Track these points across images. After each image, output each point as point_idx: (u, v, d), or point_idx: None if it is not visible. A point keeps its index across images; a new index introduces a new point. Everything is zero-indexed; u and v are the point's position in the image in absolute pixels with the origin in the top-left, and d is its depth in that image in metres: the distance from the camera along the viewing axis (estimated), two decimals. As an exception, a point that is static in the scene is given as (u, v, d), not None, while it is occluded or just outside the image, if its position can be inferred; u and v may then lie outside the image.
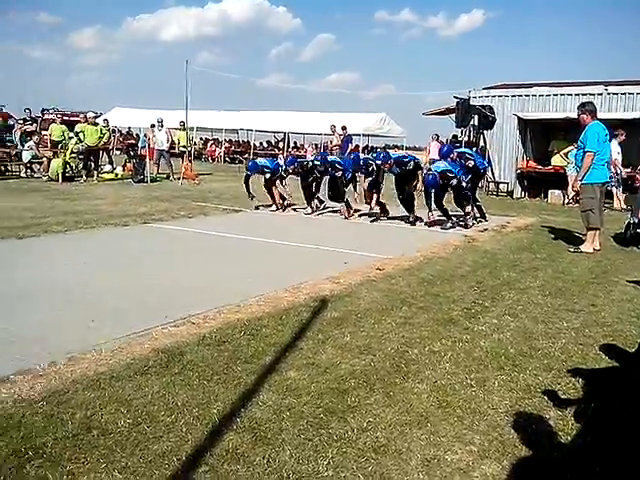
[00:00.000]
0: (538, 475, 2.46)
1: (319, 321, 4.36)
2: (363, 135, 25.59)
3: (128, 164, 17.64)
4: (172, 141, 17.74)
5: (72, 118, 21.19)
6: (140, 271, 5.87)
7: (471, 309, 4.83)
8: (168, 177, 17.24)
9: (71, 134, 16.07)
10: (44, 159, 15.81)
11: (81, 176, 15.59)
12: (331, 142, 19.13)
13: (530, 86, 17.21)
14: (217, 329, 4.08)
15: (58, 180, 14.62)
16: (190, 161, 17.62)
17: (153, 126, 17.47)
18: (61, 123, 17.27)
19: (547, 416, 2.96)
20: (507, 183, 16.71)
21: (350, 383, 3.28)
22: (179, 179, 16.36)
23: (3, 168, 16.31)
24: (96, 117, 17.24)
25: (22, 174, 15.95)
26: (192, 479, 2.35)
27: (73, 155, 15.67)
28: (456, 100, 16.83)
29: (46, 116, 22.92)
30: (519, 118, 16.00)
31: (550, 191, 15.12)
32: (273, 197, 10.98)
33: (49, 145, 16.39)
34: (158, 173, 17.44)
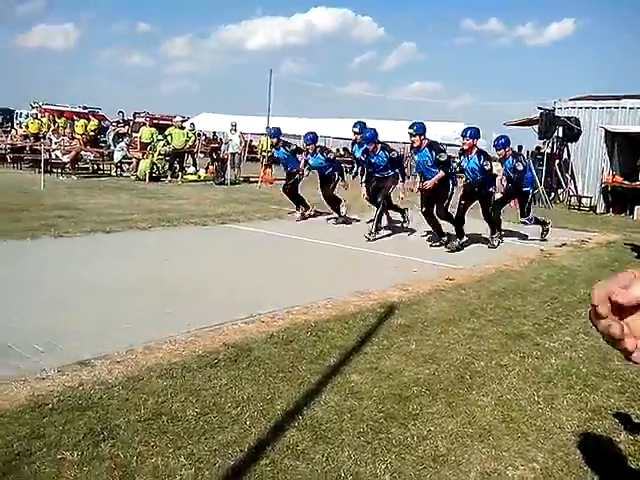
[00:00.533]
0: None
1: (385, 327, 4.38)
2: (442, 144, 25.24)
3: (210, 167, 18.29)
4: (248, 145, 18.16)
5: (161, 121, 22.16)
6: (214, 269, 6.09)
7: (543, 325, 4.69)
8: (248, 180, 17.71)
9: (159, 136, 16.84)
10: (133, 159, 16.65)
11: (166, 177, 16.30)
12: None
13: (619, 98, 16.40)
14: (285, 328, 4.19)
15: (145, 180, 15.34)
16: (268, 166, 18.00)
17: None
18: (151, 126, 18.13)
19: (617, 439, 2.85)
20: (590, 197, 16.00)
21: (413, 390, 3.28)
22: (257, 182, 16.77)
23: (96, 167, 17.29)
24: (183, 121, 17.96)
25: (112, 173, 16.85)
26: (253, 471, 2.43)
27: (160, 156, 16.41)
28: (540, 111, 16.30)
29: (137, 119, 24.10)
30: (606, 131, 15.30)
31: (637, 207, 14.35)
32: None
33: (139, 147, 17.24)
34: (240, 176, 17.94)
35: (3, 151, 17.58)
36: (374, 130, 8.89)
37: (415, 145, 8.14)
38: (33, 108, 23.82)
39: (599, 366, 3.82)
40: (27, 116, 22.79)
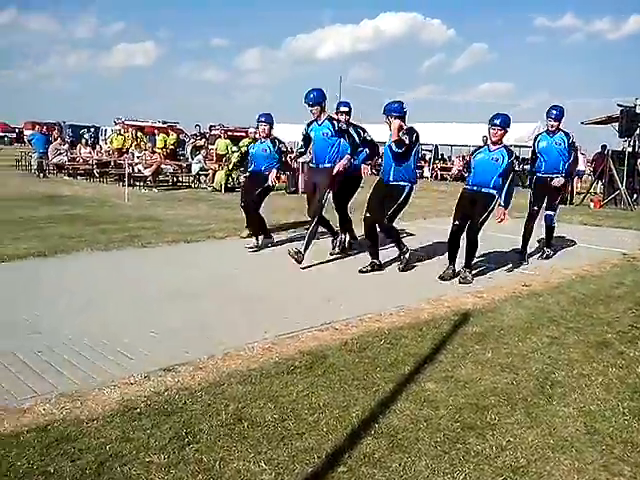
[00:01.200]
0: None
1: (459, 335, 4.33)
2: (515, 146, 24.53)
3: (283, 176, 18.62)
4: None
5: (235, 133, 22.77)
6: (288, 277, 6.21)
7: (628, 333, 4.49)
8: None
9: (234, 148, 17.34)
10: (210, 171, 17.22)
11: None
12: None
13: None
14: (358, 336, 4.22)
15: (221, 190, 15.82)
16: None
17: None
18: (225, 138, 18.68)
19: None
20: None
21: (490, 400, 3.24)
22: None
23: (175, 179, 18.01)
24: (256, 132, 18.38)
25: (191, 185, 17.49)
26: (331, 478, 2.48)
27: (235, 167, 16.89)
28: (620, 108, 15.56)
29: (213, 131, 24.88)
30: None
31: None
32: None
33: (214, 158, 17.80)
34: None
35: (90, 166, 18.66)
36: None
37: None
38: (116, 124, 25.11)
39: (691, 377, 3.62)
40: (112, 132, 24.04)
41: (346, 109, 7.69)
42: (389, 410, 3.09)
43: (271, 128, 8.01)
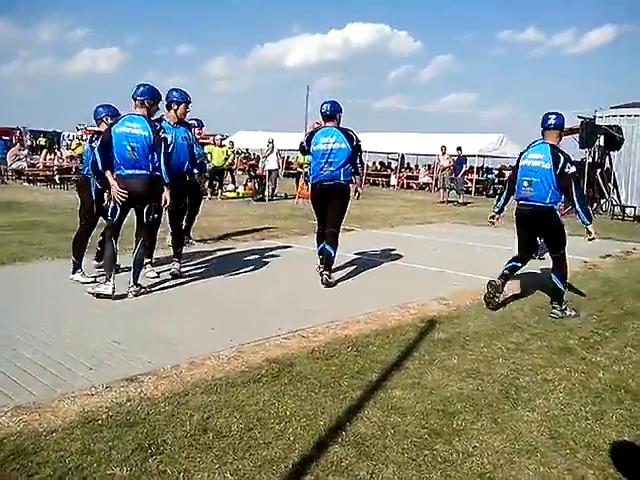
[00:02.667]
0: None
1: (426, 342, 4.35)
2: (479, 156, 25.01)
3: (249, 183, 18.56)
4: (284, 162, 18.36)
5: (201, 140, 22.57)
6: (255, 285, 6.15)
7: (589, 339, 4.58)
8: (286, 196, 17.87)
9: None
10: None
11: (206, 194, 16.62)
12: (437, 163, 18.86)
13: (663, 105, 16.01)
14: (325, 343, 4.20)
15: None
16: (306, 181, 18.13)
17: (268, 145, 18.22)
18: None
19: (672, 457, 2.75)
20: (634, 207, 15.58)
21: (456, 406, 3.25)
22: (294, 198, 16.92)
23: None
24: (222, 140, 18.28)
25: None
26: (298, 487, 2.45)
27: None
28: (580, 120, 16.02)
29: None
30: (651, 138, 14.92)
31: (685, 216, 13.89)
32: None
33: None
34: (277, 192, 18.09)
35: (51, 172, 18.24)
36: None
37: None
38: (78, 130, 24.60)
39: (650, 381, 3.70)
40: (73, 138, 23.52)
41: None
42: (356, 417, 3.07)
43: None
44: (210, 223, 10.97)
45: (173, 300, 5.39)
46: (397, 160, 29.38)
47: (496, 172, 28.12)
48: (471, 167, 23.27)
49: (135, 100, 5.41)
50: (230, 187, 18.37)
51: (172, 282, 5.98)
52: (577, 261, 8.20)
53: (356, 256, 7.95)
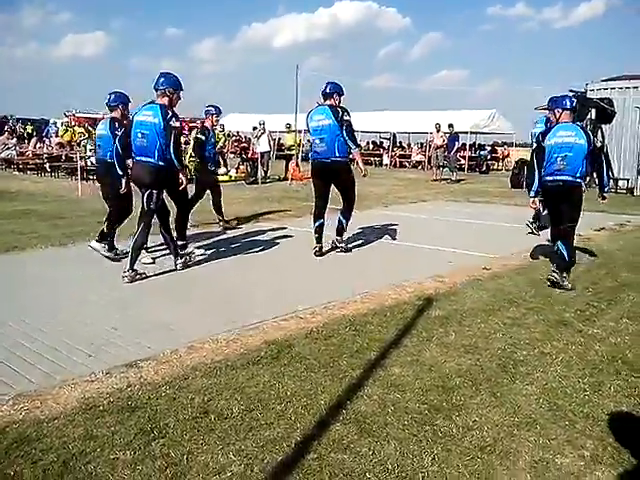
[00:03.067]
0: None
1: (423, 319, 4.37)
2: (471, 132, 24.94)
3: (241, 167, 18.46)
4: (276, 143, 18.21)
5: (191, 124, 22.39)
6: (251, 268, 6.15)
7: (585, 311, 4.61)
8: (280, 179, 17.79)
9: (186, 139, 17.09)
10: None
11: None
12: (430, 141, 18.73)
13: (655, 76, 15.95)
14: (323, 324, 4.21)
15: None
16: (297, 163, 18.04)
17: (255, 129, 18.08)
18: (182, 129, 18.36)
19: (669, 425, 2.79)
20: (627, 180, 15.61)
21: (455, 382, 3.27)
22: (287, 180, 16.86)
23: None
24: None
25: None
26: (301, 465, 2.46)
27: (192, 158, 16.62)
28: (572, 93, 15.95)
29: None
30: (642, 110, 14.89)
31: (678, 187, 13.94)
32: None
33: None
34: (270, 174, 18.00)
35: (41, 161, 18.06)
36: None
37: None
38: (67, 117, 24.36)
39: (646, 351, 3.74)
40: (61, 125, 23.28)
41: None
42: (356, 396, 3.09)
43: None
44: (203, 207, 10.91)
45: (168, 285, 5.39)
46: (389, 139, 29.24)
47: (488, 148, 28.08)
48: (463, 144, 23.22)
49: (157, 90, 5.53)
50: (222, 170, 18.26)
51: (167, 267, 5.96)
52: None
53: (351, 236, 7.95)
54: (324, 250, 6.84)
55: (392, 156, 27.84)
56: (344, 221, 6.91)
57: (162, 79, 5.53)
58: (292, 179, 16.85)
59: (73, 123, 20.90)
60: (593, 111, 15.67)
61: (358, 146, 7.02)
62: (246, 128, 26.52)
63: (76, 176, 13.54)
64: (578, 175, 5.41)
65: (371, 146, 31.62)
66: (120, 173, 5.95)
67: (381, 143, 31.11)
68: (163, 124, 5.34)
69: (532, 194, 5.76)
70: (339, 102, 6.62)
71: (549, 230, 6.10)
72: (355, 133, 6.92)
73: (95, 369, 3.36)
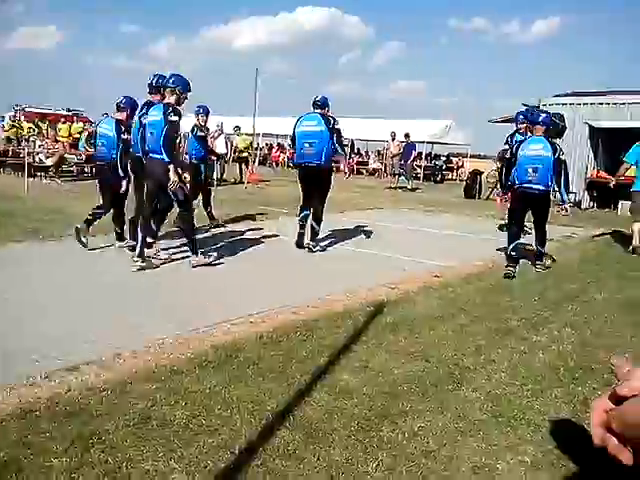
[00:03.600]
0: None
1: (374, 326, 4.38)
2: (427, 142, 25.34)
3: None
4: (232, 146, 18.03)
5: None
6: (203, 271, 6.05)
7: (530, 320, 4.72)
8: (235, 182, 17.64)
9: None
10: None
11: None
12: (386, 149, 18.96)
13: (604, 94, 16.56)
14: (274, 329, 4.18)
15: None
16: (252, 167, 17.92)
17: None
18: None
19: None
20: (574, 193, 16.13)
21: (403, 388, 3.29)
22: (243, 183, 16.73)
23: (81, 170, 17.13)
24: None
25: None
26: (245, 472, 2.43)
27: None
28: (525, 107, 16.43)
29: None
30: (590, 127, 15.44)
31: (621, 202, 14.49)
32: None
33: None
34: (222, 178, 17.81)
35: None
36: None
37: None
38: (15, 111, 23.53)
39: (586, 359, 3.85)
40: (9, 119, 22.48)
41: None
42: (304, 402, 3.06)
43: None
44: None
45: (112, 290, 5.24)
46: (347, 146, 29.41)
47: (444, 159, 28.59)
48: (420, 153, 23.55)
49: (166, 88, 5.85)
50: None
51: (116, 267, 5.81)
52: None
53: (307, 242, 7.93)
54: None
55: (350, 163, 28.00)
56: (317, 226, 7.40)
57: (173, 78, 5.87)
58: (248, 182, 16.73)
59: (22, 118, 20.19)
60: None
61: (344, 151, 7.77)
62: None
63: (23, 173, 13.08)
64: (550, 183, 6.33)
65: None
66: (122, 174, 6.40)
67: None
68: (164, 120, 5.64)
69: (504, 191, 7.03)
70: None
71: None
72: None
73: (33, 373, 3.22)
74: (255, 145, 19.41)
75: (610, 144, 15.83)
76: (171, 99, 5.78)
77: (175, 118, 5.65)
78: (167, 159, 5.62)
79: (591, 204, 15.68)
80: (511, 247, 6.55)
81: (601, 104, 16.01)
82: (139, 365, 3.42)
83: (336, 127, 7.03)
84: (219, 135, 17.45)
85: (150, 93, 6.44)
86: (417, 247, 8.13)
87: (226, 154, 17.78)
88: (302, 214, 7.49)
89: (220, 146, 17.36)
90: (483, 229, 10.31)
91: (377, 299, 5.12)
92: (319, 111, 7.10)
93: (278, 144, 32.59)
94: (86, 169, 17.17)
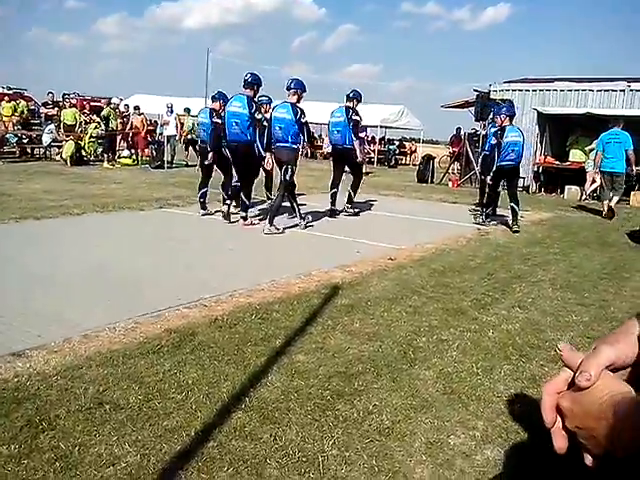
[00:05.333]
0: (539, 461, 2.49)
1: (329, 308, 4.41)
2: (380, 127, 25.49)
3: (146, 149, 17.79)
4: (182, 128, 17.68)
5: (92, 103, 21.32)
6: (154, 254, 5.95)
7: (481, 300, 4.85)
8: (187, 164, 17.33)
9: (85, 119, 16.31)
10: (63, 142, 16.02)
11: (102, 161, 15.82)
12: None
13: (551, 81, 16.99)
14: (229, 312, 4.15)
15: (68, 163, 14.75)
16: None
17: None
18: (82, 108, 17.44)
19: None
20: (523, 178, 16.54)
21: (357, 368, 3.33)
22: (195, 166, 16.45)
23: (23, 151, 16.52)
24: (110, 103, 17.33)
25: (42, 157, 16.16)
26: (200, 454, 2.41)
27: (92, 139, 15.83)
28: (476, 93, 16.69)
29: (67, 100, 23.07)
30: (539, 113, 15.84)
31: (567, 187, 14.98)
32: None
33: (62, 129, 16.54)
34: (173, 160, 17.49)
35: None
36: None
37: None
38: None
39: (534, 337, 3.99)
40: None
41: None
42: (260, 383, 3.06)
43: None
44: (105, 191, 10.45)
45: (62, 270, 5.09)
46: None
47: (397, 143, 28.83)
48: (373, 137, 23.66)
49: (289, 90, 7.53)
50: (125, 153, 17.55)
51: (59, 251, 5.64)
52: (471, 229, 8.66)
53: (260, 225, 7.90)
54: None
55: (304, 146, 27.87)
56: (352, 193, 9.53)
57: (294, 82, 7.60)
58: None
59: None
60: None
61: (358, 138, 9.38)
62: (152, 110, 25.58)
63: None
64: (520, 160, 8.84)
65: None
66: (209, 150, 8.27)
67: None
68: (295, 118, 7.37)
69: (494, 169, 8.69)
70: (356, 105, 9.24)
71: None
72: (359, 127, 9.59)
73: (-23, 359, 3.11)
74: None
75: (557, 130, 16.31)
76: (293, 99, 7.44)
77: (260, 116, 7.50)
78: (294, 147, 7.55)
79: (539, 189, 16.12)
80: (489, 210, 9.13)
81: (549, 90, 16.43)
82: (90, 350, 3.34)
83: (353, 118, 9.06)
84: (169, 116, 17.10)
85: (245, 88, 7.57)
86: (371, 230, 8.20)
87: (175, 135, 17.44)
88: (331, 191, 9.26)
89: (170, 128, 17.04)
90: (436, 213, 10.49)
91: (332, 282, 5.15)
92: (346, 104, 9.17)
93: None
94: (28, 150, 16.59)
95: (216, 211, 8.56)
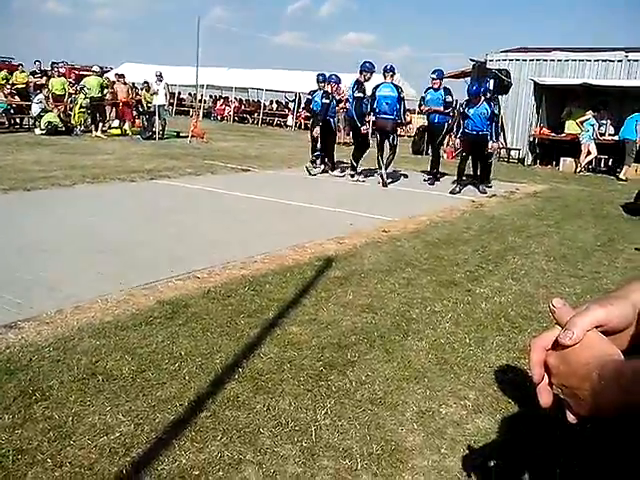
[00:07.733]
0: (529, 429, 2.52)
1: (322, 280, 4.41)
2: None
3: (137, 120, 17.54)
4: (177, 98, 17.43)
5: (82, 72, 20.98)
6: (146, 226, 5.92)
7: (474, 272, 4.86)
8: (178, 134, 17.12)
9: (73, 88, 16.06)
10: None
11: (90, 131, 15.62)
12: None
13: (549, 50, 16.76)
14: (222, 284, 4.14)
15: (43, 131, 14.56)
16: (197, 120, 17.40)
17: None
18: (70, 77, 17.14)
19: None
20: (519, 150, 16.49)
21: (351, 339, 3.34)
22: (187, 137, 16.28)
23: (12, 121, 16.28)
24: (104, 72, 17.03)
25: (31, 127, 15.93)
26: (194, 423, 2.42)
27: (82, 110, 15.60)
28: (472, 63, 16.48)
29: (56, 69, 22.67)
30: (535, 83, 15.68)
31: (562, 159, 14.94)
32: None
33: (51, 99, 16.27)
34: (169, 130, 17.27)
35: None
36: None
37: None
38: None
39: (526, 309, 4.01)
40: None
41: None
42: (253, 354, 3.07)
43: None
44: (95, 162, 10.34)
45: (53, 241, 5.05)
46: (294, 100, 28.93)
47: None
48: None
49: (387, 72, 10.05)
50: (115, 123, 17.31)
51: (50, 222, 5.60)
52: (465, 201, 8.65)
53: (254, 196, 7.85)
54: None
55: (297, 117, 27.62)
56: (391, 160, 10.34)
57: (390, 65, 10.12)
58: (192, 136, 16.27)
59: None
60: (491, 81, 16.32)
61: (405, 113, 10.70)
62: (142, 79, 25.24)
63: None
64: (486, 130, 9.48)
65: (275, 106, 31.17)
66: (320, 123, 10.70)
67: (286, 103, 30.73)
68: (399, 95, 9.78)
69: (460, 137, 9.85)
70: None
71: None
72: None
73: (-31, 331, 3.10)
74: (199, 97, 18.79)
75: (554, 101, 16.17)
76: (394, 78, 10.05)
77: (360, 95, 10.25)
78: (397, 119, 9.86)
79: (534, 161, 16.06)
80: (457, 177, 9.76)
81: (545, 61, 16.25)
82: (82, 321, 3.33)
83: (402, 95, 10.11)
84: (158, 85, 16.79)
85: (361, 73, 10.36)
86: (365, 202, 8.17)
87: (165, 105, 17.17)
88: (379, 158, 10.25)
89: (160, 97, 16.75)
90: (430, 185, 10.45)
91: (325, 254, 5.14)
92: (389, 79, 10.09)
93: (224, 97, 31.69)
94: (17, 120, 16.36)
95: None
